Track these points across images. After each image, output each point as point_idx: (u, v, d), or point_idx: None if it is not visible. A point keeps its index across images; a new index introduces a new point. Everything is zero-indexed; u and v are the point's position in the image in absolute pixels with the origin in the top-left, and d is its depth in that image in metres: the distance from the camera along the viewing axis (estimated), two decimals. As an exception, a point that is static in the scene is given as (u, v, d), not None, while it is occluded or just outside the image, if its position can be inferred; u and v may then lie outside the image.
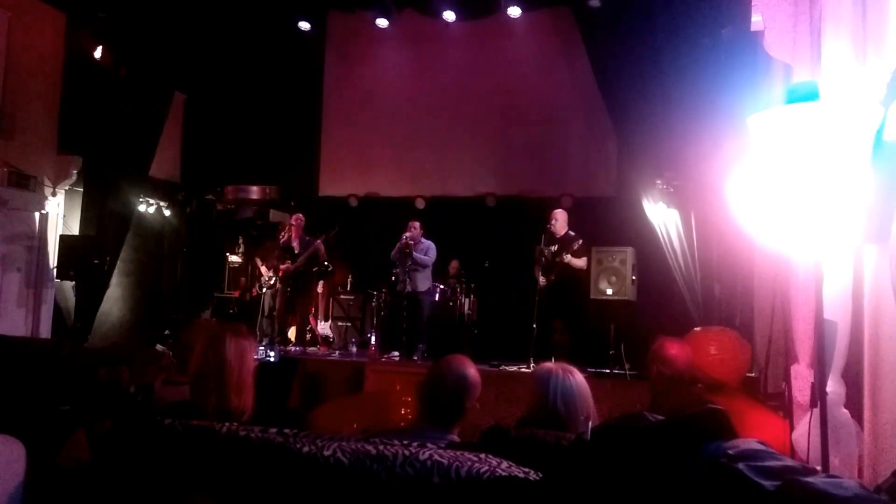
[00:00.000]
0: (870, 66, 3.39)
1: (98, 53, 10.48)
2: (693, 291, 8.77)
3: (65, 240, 10.62)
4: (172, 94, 12.16)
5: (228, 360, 3.19)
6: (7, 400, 3.90)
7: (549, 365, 3.51)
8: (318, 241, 10.66)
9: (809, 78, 3.69)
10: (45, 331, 10.51)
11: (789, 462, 1.89)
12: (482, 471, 2.23)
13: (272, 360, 8.23)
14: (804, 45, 4.10)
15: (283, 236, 10.82)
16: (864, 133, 2.90)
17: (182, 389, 3.57)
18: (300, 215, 11.01)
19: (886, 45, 3.21)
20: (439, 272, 10.94)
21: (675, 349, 4.58)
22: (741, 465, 1.80)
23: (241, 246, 12.70)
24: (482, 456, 2.32)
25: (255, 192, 12.67)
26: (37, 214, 10.50)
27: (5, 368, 5.05)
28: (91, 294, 10.82)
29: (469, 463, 2.26)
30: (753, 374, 7.10)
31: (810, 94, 2.92)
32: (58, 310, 10.75)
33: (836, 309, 3.47)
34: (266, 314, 11.19)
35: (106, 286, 11.06)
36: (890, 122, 3.00)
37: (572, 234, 9.22)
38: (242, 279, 12.28)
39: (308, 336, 11.16)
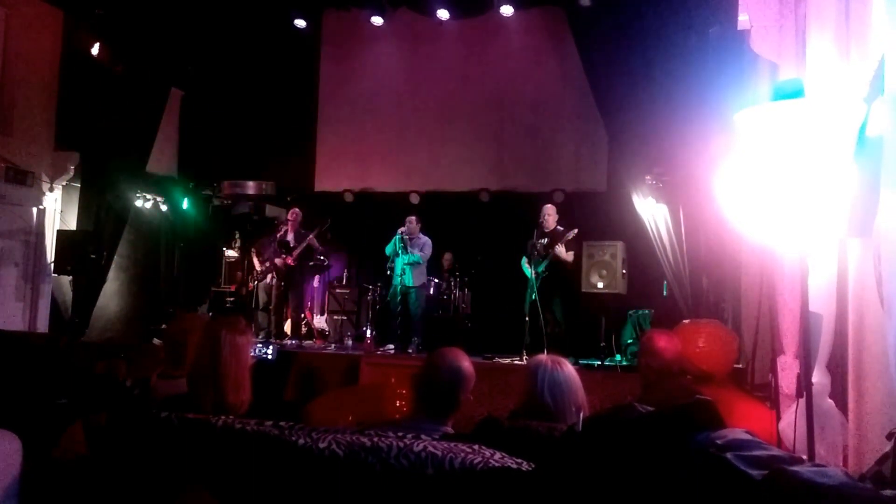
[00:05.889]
0: (853, 64, 3.42)
1: (95, 50, 10.44)
2: (682, 284, 8.81)
3: (62, 235, 10.63)
4: (169, 91, 12.14)
5: (224, 359, 3.17)
6: (4, 393, 3.90)
7: (541, 357, 3.54)
8: (312, 235, 10.70)
9: (795, 75, 3.73)
10: (42, 325, 10.52)
11: (776, 451, 1.92)
12: (476, 462, 2.24)
13: (270, 357, 8.22)
14: (789, 44, 4.15)
15: (280, 231, 10.86)
16: (847, 129, 2.94)
17: (178, 383, 3.55)
18: (297, 210, 11.05)
19: (869, 43, 3.24)
20: (434, 266, 10.98)
21: (663, 341, 4.61)
22: (729, 455, 1.82)
23: (238, 241, 12.71)
24: (476, 447, 2.33)
25: (251, 187, 12.67)
26: (34, 210, 10.51)
27: (3, 362, 5.08)
28: (88, 288, 10.83)
29: (463, 454, 2.27)
30: (741, 366, 7.14)
31: (796, 92, 2.97)
32: (55, 304, 10.75)
33: (821, 301, 3.52)
34: (261, 307, 11.23)
35: (103, 280, 11.06)
36: (873, 119, 3.04)
37: (560, 228, 9.31)
38: (239, 273, 12.29)
39: (304, 329, 11.20)
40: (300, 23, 11.88)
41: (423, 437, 2.46)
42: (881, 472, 2.36)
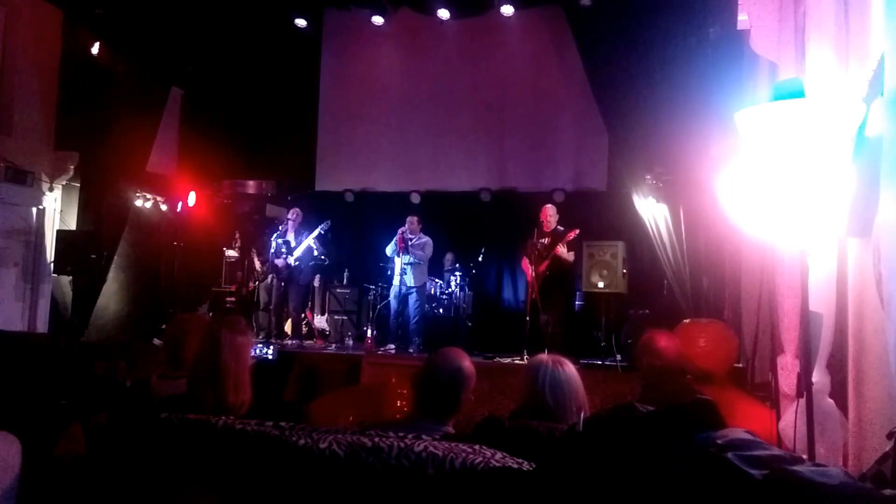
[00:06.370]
0: (852, 63, 3.42)
1: (95, 49, 10.46)
2: (682, 284, 8.81)
3: (62, 235, 10.60)
4: (169, 90, 12.13)
5: (224, 359, 3.17)
6: (4, 394, 3.90)
7: (542, 357, 3.52)
8: (312, 234, 10.70)
9: (795, 75, 3.73)
10: (42, 325, 10.50)
11: (776, 451, 1.91)
12: (476, 462, 2.24)
13: (270, 357, 8.21)
14: (789, 44, 4.15)
15: (281, 230, 10.86)
16: (847, 129, 2.95)
17: (179, 383, 3.54)
18: (297, 210, 11.06)
19: (868, 42, 3.24)
20: (434, 266, 10.98)
21: (664, 341, 4.61)
22: (730, 455, 1.82)
23: (238, 241, 12.70)
24: (476, 447, 2.33)
25: (251, 186, 12.68)
26: (34, 210, 10.49)
27: (3, 362, 5.07)
28: (88, 288, 10.78)
29: (463, 454, 2.27)
30: (741, 365, 7.14)
31: (796, 92, 2.97)
32: (55, 304, 10.72)
33: (820, 301, 3.52)
34: (261, 307, 11.23)
35: (103, 281, 11.02)
36: (872, 119, 3.04)
37: (561, 228, 9.31)
38: (239, 273, 12.27)
39: (304, 329, 11.20)
40: (301, 22, 11.90)
41: (423, 437, 2.45)
42: (881, 471, 2.36)
